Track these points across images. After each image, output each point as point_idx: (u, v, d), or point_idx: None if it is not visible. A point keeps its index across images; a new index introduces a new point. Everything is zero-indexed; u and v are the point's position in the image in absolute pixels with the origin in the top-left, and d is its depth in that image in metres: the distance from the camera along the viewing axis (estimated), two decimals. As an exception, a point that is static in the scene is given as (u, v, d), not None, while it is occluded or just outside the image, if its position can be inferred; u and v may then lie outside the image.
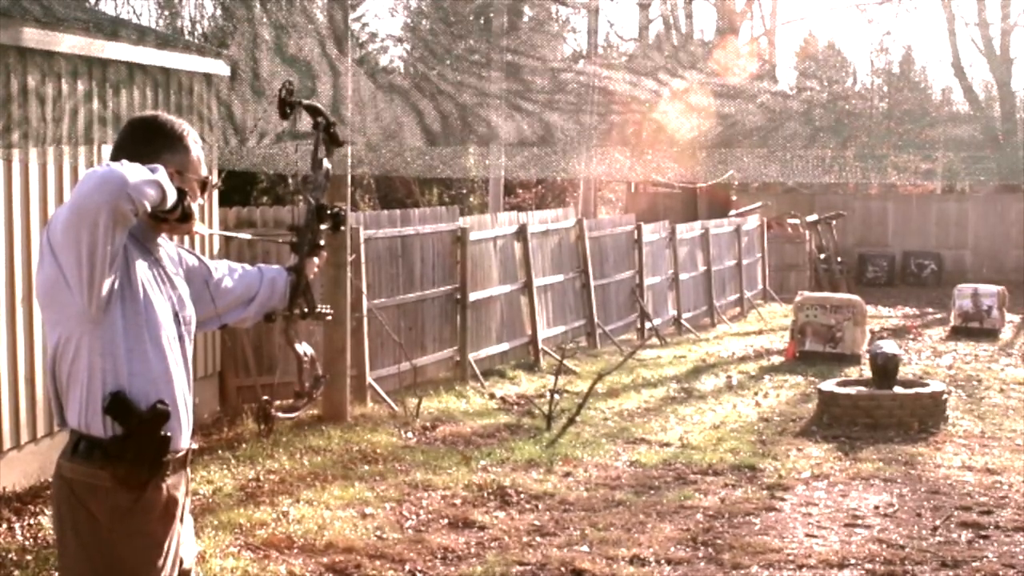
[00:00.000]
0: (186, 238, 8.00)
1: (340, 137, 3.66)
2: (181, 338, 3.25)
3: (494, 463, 8.74)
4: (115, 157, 3.15)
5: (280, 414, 3.47)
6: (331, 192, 9.26)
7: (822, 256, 24.71)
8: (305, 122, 3.70)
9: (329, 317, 3.64)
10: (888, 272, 27.22)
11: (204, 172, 3.38)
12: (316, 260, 3.60)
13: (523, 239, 14.20)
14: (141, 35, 9.56)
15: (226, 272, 3.57)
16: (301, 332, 3.59)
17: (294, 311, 3.55)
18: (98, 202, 2.90)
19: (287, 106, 3.52)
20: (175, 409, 3.16)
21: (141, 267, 3.16)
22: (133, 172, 2.95)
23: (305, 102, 3.59)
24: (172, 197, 3.07)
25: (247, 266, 3.68)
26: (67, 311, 3.04)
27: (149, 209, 3.01)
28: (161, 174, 3.04)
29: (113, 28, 9.13)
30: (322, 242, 3.60)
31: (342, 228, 3.65)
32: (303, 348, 3.53)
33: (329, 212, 3.56)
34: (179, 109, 9.50)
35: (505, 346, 13.67)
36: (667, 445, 9.66)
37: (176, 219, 3.15)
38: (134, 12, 27.07)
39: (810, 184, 26.53)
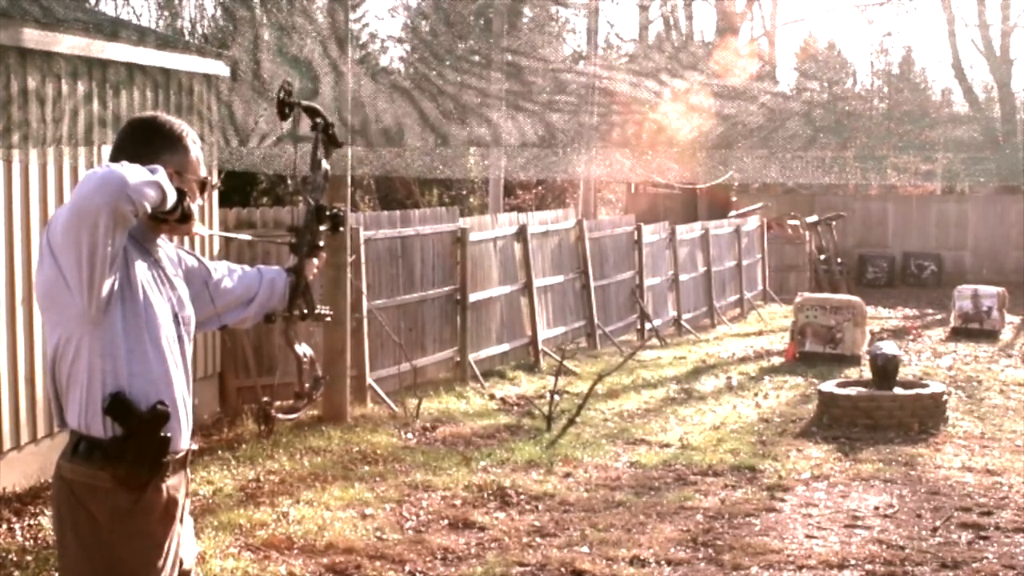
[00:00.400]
0: (186, 239, 7.99)
1: (339, 138, 3.66)
2: (180, 339, 3.25)
3: (494, 464, 8.74)
4: (114, 158, 3.15)
5: (280, 415, 3.47)
6: (331, 193, 9.26)
7: (822, 257, 24.70)
8: (305, 124, 3.69)
9: (329, 318, 3.65)
10: (888, 273, 27.23)
11: (203, 173, 3.38)
12: (315, 261, 3.60)
13: (523, 240, 14.20)
14: (141, 36, 9.56)
15: (225, 273, 3.57)
16: (301, 333, 3.59)
17: (294, 312, 3.55)
18: (98, 203, 2.90)
19: (286, 107, 3.52)
20: (175, 410, 3.16)
21: (141, 268, 3.16)
22: (133, 173, 2.95)
23: (304, 103, 3.59)
24: (172, 198, 3.07)
25: (246, 267, 3.68)
26: (67, 312, 3.04)
27: (149, 210, 3.00)
28: (161, 175, 3.04)
29: (113, 29, 9.13)
30: (321, 243, 3.60)
31: (341, 229, 3.66)
32: (303, 349, 3.53)
33: (328, 213, 3.56)
34: (179, 110, 9.50)
35: (505, 347, 13.67)
36: (667, 446, 9.66)
37: (176, 220, 3.15)
38: (134, 13, 27.09)
39: (810, 185, 26.51)
